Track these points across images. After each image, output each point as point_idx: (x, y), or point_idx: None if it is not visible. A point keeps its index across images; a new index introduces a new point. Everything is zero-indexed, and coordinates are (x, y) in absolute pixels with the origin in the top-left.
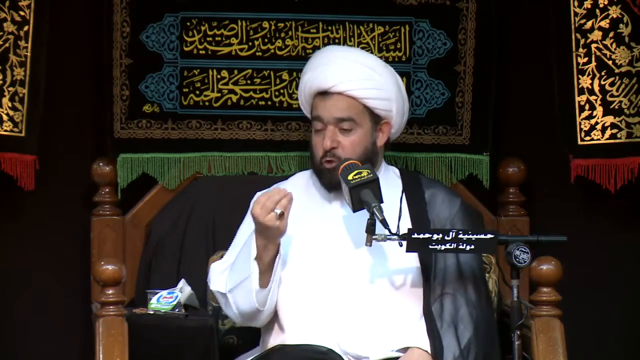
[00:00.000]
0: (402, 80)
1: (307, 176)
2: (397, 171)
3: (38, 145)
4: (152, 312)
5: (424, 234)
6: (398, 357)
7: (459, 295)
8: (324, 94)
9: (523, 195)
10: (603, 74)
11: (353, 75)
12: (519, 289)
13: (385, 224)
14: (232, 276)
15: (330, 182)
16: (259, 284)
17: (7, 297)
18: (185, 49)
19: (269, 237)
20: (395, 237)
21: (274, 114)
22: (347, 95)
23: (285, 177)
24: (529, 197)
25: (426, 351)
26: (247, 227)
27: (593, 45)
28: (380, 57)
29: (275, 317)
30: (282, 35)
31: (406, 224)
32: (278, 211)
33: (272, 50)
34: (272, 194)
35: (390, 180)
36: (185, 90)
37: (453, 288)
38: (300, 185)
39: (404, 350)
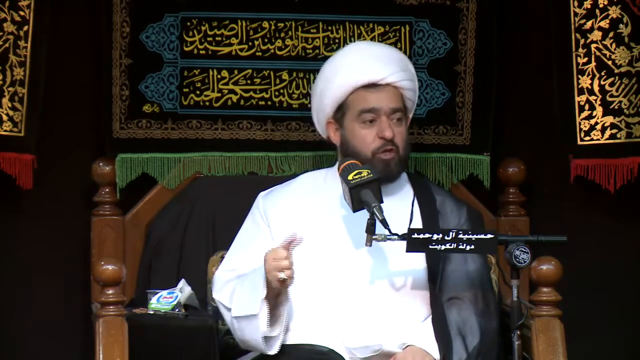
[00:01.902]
0: None
1: (315, 177)
2: (404, 175)
3: (37, 144)
4: (152, 312)
5: (423, 234)
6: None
7: (467, 304)
8: (372, 86)
9: (523, 195)
10: (603, 74)
11: (400, 67)
12: (519, 289)
13: (385, 224)
14: (239, 300)
15: (385, 174)
16: (267, 324)
17: (7, 297)
18: (186, 49)
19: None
20: (396, 237)
21: (274, 114)
22: (394, 87)
23: (286, 178)
24: (529, 197)
25: (426, 351)
26: (250, 228)
27: (593, 46)
28: None
29: None
30: (282, 35)
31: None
32: (282, 276)
33: (272, 50)
34: (280, 259)
35: (401, 184)
36: (185, 90)
37: (461, 296)
38: (307, 187)
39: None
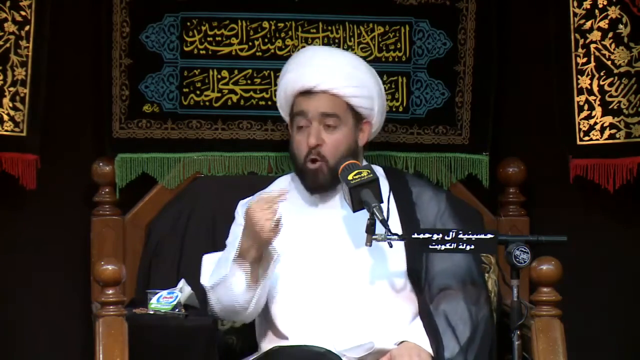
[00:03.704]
0: (402, 80)
1: (289, 179)
2: (381, 170)
3: (40, 144)
4: (152, 312)
5: (424, 234)
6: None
7: (457, 295)
8: (307, 93)
9: (523, 195)
10: (602, 74)
11: (336, 74)
12: (519, 289)
13: (385, 224)
14: (215, 272)
15: (313, 184)
16: (247, 283)
17: (7, 297)
18: (186, 49)
19: (258, 242)
20: (395, 237)
21: (274, 114)
22: (331, 94)
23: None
24: (529, 197)
25: (421, 347)
26: (236, 229)
27: (592, 46)
28: (380, 57)
29: (271, 320)
30: (282, 35)
31: (395, 224)
32: (276, 217)
33: (272, 50)
34: (268, 202)
35: None
36: (186, 90)
37: (452, 288)
38: (290, 187)
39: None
